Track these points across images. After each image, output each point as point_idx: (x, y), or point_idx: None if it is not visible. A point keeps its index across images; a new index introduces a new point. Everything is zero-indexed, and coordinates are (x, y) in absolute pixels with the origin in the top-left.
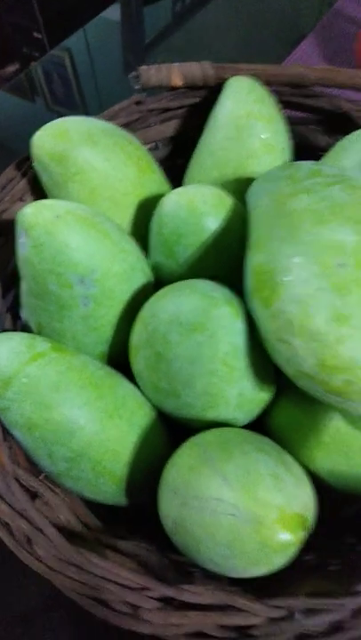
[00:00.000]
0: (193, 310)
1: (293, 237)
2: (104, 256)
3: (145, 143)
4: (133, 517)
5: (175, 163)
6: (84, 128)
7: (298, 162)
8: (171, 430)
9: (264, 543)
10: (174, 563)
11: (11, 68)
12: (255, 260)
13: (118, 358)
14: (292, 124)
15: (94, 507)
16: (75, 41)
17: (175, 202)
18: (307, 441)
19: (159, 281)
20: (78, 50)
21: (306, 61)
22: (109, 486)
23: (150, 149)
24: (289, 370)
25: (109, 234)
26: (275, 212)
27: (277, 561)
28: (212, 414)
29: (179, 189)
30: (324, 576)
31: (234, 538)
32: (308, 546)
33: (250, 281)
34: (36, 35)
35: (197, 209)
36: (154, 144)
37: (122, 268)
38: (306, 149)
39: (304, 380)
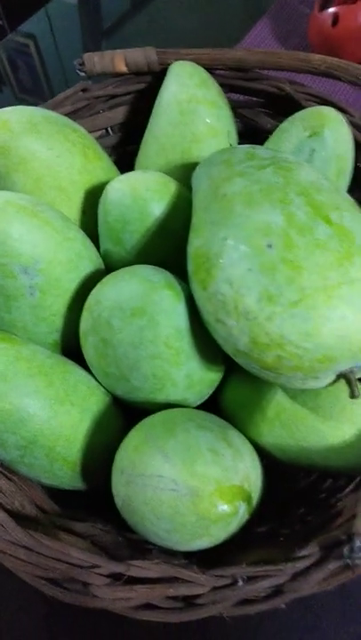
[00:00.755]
0: (133, 295)
1: (226, 220)
2: (47, 245)
3: (94, 130)
4: (93, 501)
5: (126, 150)
6: (25, 117)
7: (236, 146)
8: (129, 414)
9: (202, 515)
10: (131, 541)
11: None
12: (194, 243)
13: (72, 346)
14: (239, 107)
15: (55, 492)
16: (34, 24)
17: (118, 189)
18: (253, 417)
19: (110, 268)
20: (40, 33)
21: (260, 43)
22: (64, 472)
23: (101, 137)
24: (228, 349)
25: (52, 222)
26: (211, 196)
27: (217, 532)
28: (161, 396)
29: (122, 177)
30: (272, 545)
31: (174, 512)
32: (261, 518)
33: (189, 265)
34: None
35: (141, 195)
36: (104, 131)
37: (67, 257)
38: (253, 132)
39: (241, 357)
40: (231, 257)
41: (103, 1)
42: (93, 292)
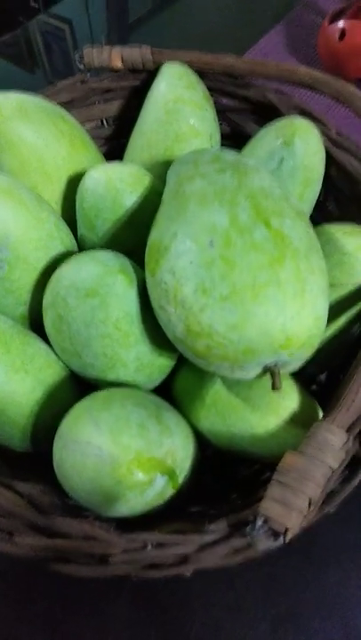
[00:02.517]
0: (88, 277)
1: (179, 216)
2: (18, 223)
3: (89, 120)
4: (45, 465)
5: (120, 142)
6: (15, 102)
7: (206, 148)
8: (89, 390)
9: (119, 480)
10: (68, 506)
11: (7, 38)
12: (151, 236)
13: (40, 321)
14: (227, 111)
15: (10, 454)
16: (68, 8)
17: (94, 178)
18: (194, 403)
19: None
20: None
21: (269, 51)
22: (13, 434)
23: (96, 127)
24: (169, 335)
25: (26, 203)
26: (174, 193)
27: (133, 498)
28: (112, 375)
29: (100, 166)
30: (188, 520)
31: (96, 475)
32: (195, 499)
33: (146, 254)
34: (32, 4)
35: (114, 186)
36: (99, 122)
37: (37, 236)
38: (239, 136)
39: (178, 344)
40: (177, 250)
41: None
42: (56, 270)
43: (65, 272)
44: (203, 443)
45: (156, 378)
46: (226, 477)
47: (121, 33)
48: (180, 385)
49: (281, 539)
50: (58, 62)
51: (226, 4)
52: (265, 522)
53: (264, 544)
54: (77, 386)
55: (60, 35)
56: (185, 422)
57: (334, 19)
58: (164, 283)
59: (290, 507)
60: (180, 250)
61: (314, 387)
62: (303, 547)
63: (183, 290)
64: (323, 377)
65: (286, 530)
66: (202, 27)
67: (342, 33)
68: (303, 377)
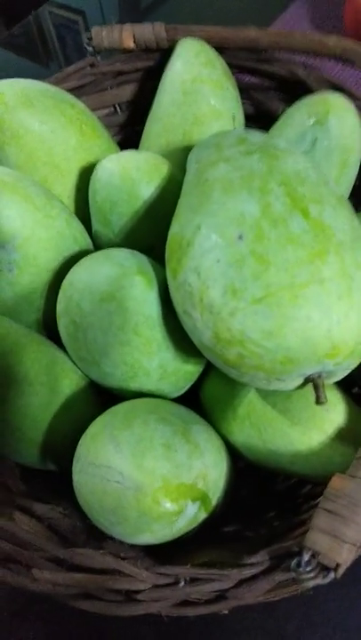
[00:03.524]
0: (103, 280)
1: (202, 206)
2: (25, 221)
3: (101, 107)
4: (66, 483)
5: (135, 129)
6: (19, 90)
7: (230, 130)
8: (111, 400)
9: (143, 511)
10: (90, 528)
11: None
12: (172, 230)
13: (55, 326)
14: (250, 89)
15: (31, 470)
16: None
17: (108, 169)
18: (226, 414)
19: (100, 249)
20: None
21: (294, 25)
22: (31, 452)
23: (109, 114)
24: (195, 341)
25: (33, 199)
26: (195, 181)
27: (160, 529)
28: (134, 385)
29: (113, 156)
30: (225, 547)
31: (118, 505)
32: (229, 517)
33: (166, 251)
34: None
35: (130, 176)
36: (112, 108)
37: (47, 235)
38: (264, 116)
39: (206, 352)
40: (202, 246)
41: None
42: (69, 273)
43: (78, 275)
44: (236, 455)
45: (183, 386)
46: (262, 491)
47: (134, 17)
48: (209, 392)
49: (331, 574)
50: (72, 54)
51: None
52: (313, 556)
53: (312, 581)
54: (98, 396)
55: (74, 27)
56: (216, 436)
57: None
58: (187, 284)
59: (340, 539)
60: (205, 246)
61: (356, 389)
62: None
63: (210, 292)
64: None
65: (337, 565)
66: (218, 6)
67: None
68: (343, 379)
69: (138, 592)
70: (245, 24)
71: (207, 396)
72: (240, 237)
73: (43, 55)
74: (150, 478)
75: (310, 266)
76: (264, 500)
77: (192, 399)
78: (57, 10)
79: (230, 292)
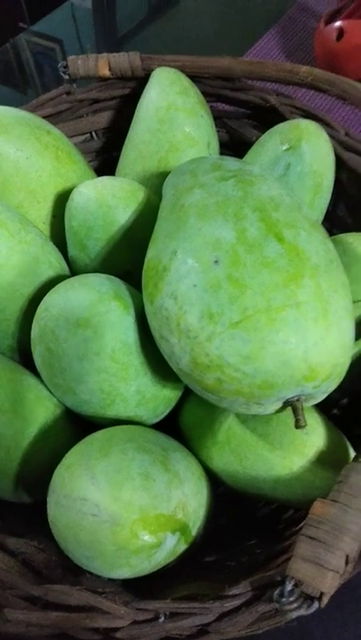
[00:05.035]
0: (78, 305)
1: (178, 232)
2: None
3: (77, 134)
4: (40, 515)
5: (111, 155)
6: None
7: (205, 156)
8: (89, 428)
9: (121, 545)
10: (66, 562)
11: None
12: (148, 255)
13: (29, 353)
14: (224, 117)
15: (1, 502)
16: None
17: (84, 194)
18: (205, 439)
19: (77, 275)
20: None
21: (265, 56)
22: (4, 484)
23: (85, 141)
24: (172, 367)
25: (7, 224)
26: (171, 207)
27: (138, 563)
28: (111, 412)
29: (89, 182)
30: (205, 578)
31: (94, 538)
32: (211, 546)
33: (143, 277)
34: (21, 25)
35: (106, 202)
36: (88, 135)
37: (22, 260)
38: (238, 143)
39: (184, 377)
40: (178, 271)
41: (119, 7)
42: (44, 299)
43: (52, 300)
44: (216, 481)
45: (162, 411)
46: (242, 517)
47: (110, 46)
48: (188, 418)
49: (315, 604)
50: (49, 82)
51: (216, 13)
52: (295, 585)
53: (296, 611)
54: (75, 424)
55: (51, 55)
56: (196, 463)
57: (330, 20)
58: (164, 309)
59: (324, 566)
60: (182, 271)
61: (335, 411)
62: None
63: (187, 317)
64: (345, 400)
65: (321, 594)
66: (193, 37)
67: (340, 33)
68: (322, 401)
69: (117, 629)
70: (219, 54)
71: (186, 421)
72: (216, 262)
73: (20, 83)
74: (127, 510)
75: (286, 289)
76: (245, 526)
77: (171, 425)
78: (34, 38)
79: (207, 316)
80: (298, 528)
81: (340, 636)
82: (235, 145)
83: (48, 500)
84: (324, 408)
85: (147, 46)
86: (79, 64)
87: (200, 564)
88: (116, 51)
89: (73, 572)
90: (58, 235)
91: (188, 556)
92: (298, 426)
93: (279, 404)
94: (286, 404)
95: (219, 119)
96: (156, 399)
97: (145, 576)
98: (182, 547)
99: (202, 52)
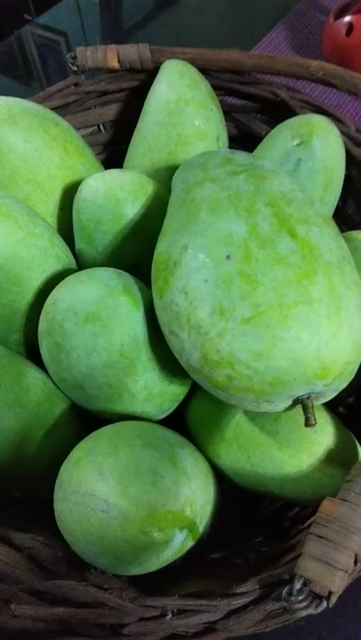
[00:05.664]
0: (87, 300)
1: (189, 226)
2: (7, 240)
3: (85, 126)
4: (46, 510)
5: (119, 148)
6: (3, 108)
7: (216, 150)
8: (97, 422)
9: (130, 541)
10: (72, 558)
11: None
12: (158, 249)
13: (36, 346)
14: (234, 111)
15: (9, 498)
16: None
17: (92, 187)
18: (213, 436)
19: (84, 268)
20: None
21: (274, 49)
22: (12, 479)
23: (93, 133)
24: (182, 363)
25: (15, 217)
26: (181, 200)
27: (147, 560)
28: (118, 407)
29: (97, 174)
30: (213, 576)
31: (102, 535)
32: (216, 543)
33: (152, 271)
34: (26, 17)
35: (114, 195)
36: (96, 127)
37: (29, 254)
38: (247, 138)
39: (194, 373)
40: (189, 266)
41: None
42: (52, 292)
43: (61, 294)
44: (223, 478)
45: (168, 407)
46: (248, 514)
47: (116, 38)
48: (195, 414)
49: (324, 603)
50: (54, 75)
51: (225, 6)
52: (304, 584)
53: (304, 610)
54: (81, 419)
55: (56, 47)
56: (203, 459)
57: (340, 14)
58: (174, 304)
59: (333, 565)
60: (192, 265)
61: (341, 409)
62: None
63: (197, 313)
64: (351, 399)
65: (330, 593)
66: (201, 30)
67: (350, 28)
68: (330, 399)
69: (123, 626)
70: (228, 48)
71: (193, 417)
72: (228, 257)
73: (25, 75)
74: (137, 506)
75: (299, 286)
76: (250, 523)
77: (178, 421)
78: (40, 30)
79: (218, 312)
80: (304, 526)
81: (345, 633)
82: (244, 139)
83: (55, 495)
84: (330, 406)
85: (153, 40)
86: (88, 55)
87: (207, 561)
88: (121, 44)
89: (79, 568)
90: (65, 227)
91: (195, 552)
92: (308, 424)
93: (289, 402)
94: (296, 401)
95: (228, 113)
96: (163, 395)
97: (151, 572)
98: (190, 543)
99: (209, 46)
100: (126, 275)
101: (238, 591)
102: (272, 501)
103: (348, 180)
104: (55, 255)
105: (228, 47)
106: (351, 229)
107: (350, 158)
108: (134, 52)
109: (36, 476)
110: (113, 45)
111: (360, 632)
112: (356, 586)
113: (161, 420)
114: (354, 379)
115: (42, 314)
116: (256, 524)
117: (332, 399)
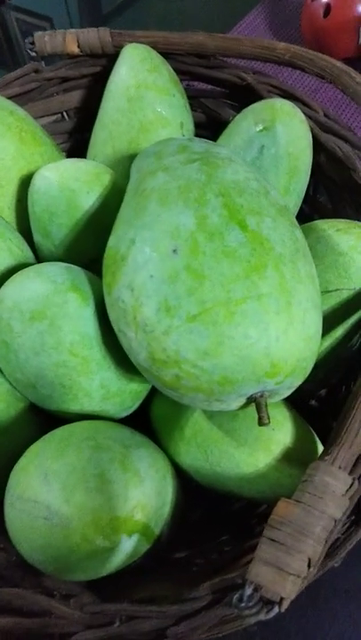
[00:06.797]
0: (33, 297)
1: (138, 219)
2: None
3: (48, 114)
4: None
5: (84, 136)
6: None
7: (172, 137)
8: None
9: (73, 549)
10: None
11: None
12: (109, 242)
13: None
14: (200, 96)
15: None
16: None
17: (45, 178)
18: (173, 434)
19: (42, 262)
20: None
21: (251, 32)
22: None
23: (56, 121)
24: (133, 361)
25: None
26: (133, 191)
27: (92, 567)
28: (75, 407)
29: (51, 165)
30: (171, 578)
31: (46, 543)
32: (181, 542)
33: (102, 266)
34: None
35: (68, 186)
36: (59, 115)
37: None
38: (215, 124)
39: (144, 372)
40: (136, 260)
41: None
42: (0, 289)
43: (6, 292)
44: (186, 477)
45: (130, 405)
46: (215, 512)
47: (100, 23)
48: (157, 412)
49: (275, 609)
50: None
51: None
52: (255, 590)
53: (255, 616)
54: (41, 417)
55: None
56: (162, 458)
57: None
58: (121, 301)
59: (285, 570)
60: (139, 260)
61: (313, 402)
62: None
63: (143, 310)
64: (323, 391)
65: (281, 599)
66: (179, 12)
67: (327, 9)
68: (299, 392)
69: (70, 635)
70: (208, 31)
71: (156, 415)
72: (175, 251)
73: (10, 61)
74: (79, 513)
75: (247, 280)
76: (217, 521)
77: (143, 418)
78: (23, 16)
79: (164, 309)
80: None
81: (314, 633)
82: (212, 126)
83: (4, 500)
84: (300, 399)
85: (133, 24)
86: (46, 40)
87: (169, 561)
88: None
89: (34, 573)
90: (23, 220)
91: (155, 553)
92: (261, 423)
93: (242, 401)
94: (250, 400)
95: (195, 99)
96: (122, 393)
97: (112, 573)
98: (145, 546)
99: (188, 30)
100: (77, 270)
101: (190, 596)
102: (239, 498)
103: (317, 166)
104: (7, 249)
105: (209, 30)
106: (323, 218)
107: (318, 144)
108: (94, 36)
109: None
110: (72, 30)
111: None
112: None
113: (127, 417)
114: (321, 372)
115: None
116: (223, 522)
117: (303, 392)
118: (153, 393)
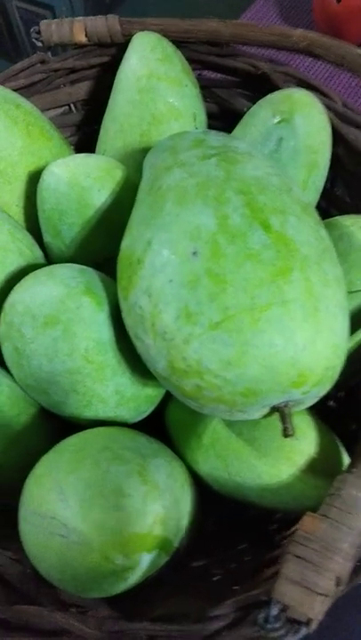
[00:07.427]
0: (46, 302)
1: (154, 219)
2: None
3: (55, 107)
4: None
5: (92, 128)
6: None
7: (187, 131)
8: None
9: (92, 568)
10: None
11: None
12: (123, 245)
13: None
14: (213, 86)
15: None
16: None
17: (55, 174)
18: (190, 442)
19: (53, 263)
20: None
21: (261, 19)
22: None
23: (64, 114)
24: (150, 369)
25: None
26: (148, 188)
27: (110, 586)
28: (89, 413)
29: (61, 160)
30: (191, 591)
31: (62, 561)
32: (199, 551)
33: (117, 269)
34: None
35: (79, 183)
36: (67, 107)
37: None
38: (228, 115)
39: (162, 381)
40: (153, 264)
41: None
42: (10, 293)
43: (18, 296)
44: (204, 485)
45: (144, 410)
46: (232, 519)
47: (105, 12)
48: (173, 417)
49: (303, 630)
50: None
51: None
52: (282, 610)
53: (282, 638)
54: (53, 422)
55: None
56: (180, 466)
57: None
58: (138, 307)
59: (312, 590)
60: (157, 264)
61: (331, 403)
62: None
63: (162, 316)
64: (342, 393)
65: (309, 620)
66: (188, 1)
67: None
68: None
69: None
70: (215, 17)
71: (171, 420)
72: (194, 254)
73: (11, 50)
74: (98, 531)
75: (272, 285)
76: (235, 528)
77: (158, 422)
78: (25, 4)
79: (184, 315)
80: (290, 532)
81: None
82: (225, 117)
83: (19, 512)
84: (318, 401)
85: (138, 12)
86: (53, 29)
87: (186, 571)
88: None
89: (49, 585)
90: (33, 218)
91: (174, 562)
92: (286, 434)
93: (265, 411)
94: (274, 409)
95: (207, 89)
96: (137, 399)
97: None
98: (164, 559)
99: (195, 17)
100: (91, 271)
101: (213, 614)
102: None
103: (335, 159)
104: (17, 250)
105: (217, 17)
106: (341, 213)
107: (338, 136)
108: (103, 24)
109: (4, 484)
110: (80, 18)
111: None
112: None
113: (140, 422)
114: (342, 376)
115: (1, 316)
116: (241, 529)
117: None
118: (168, 396)
